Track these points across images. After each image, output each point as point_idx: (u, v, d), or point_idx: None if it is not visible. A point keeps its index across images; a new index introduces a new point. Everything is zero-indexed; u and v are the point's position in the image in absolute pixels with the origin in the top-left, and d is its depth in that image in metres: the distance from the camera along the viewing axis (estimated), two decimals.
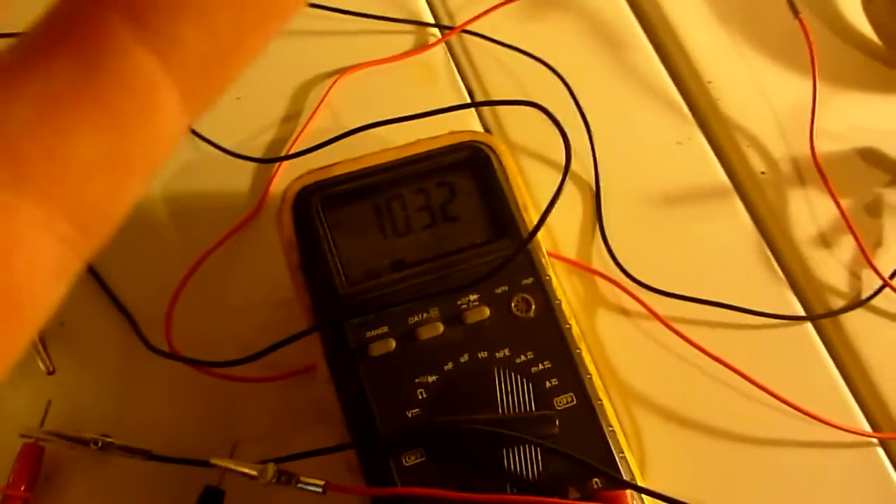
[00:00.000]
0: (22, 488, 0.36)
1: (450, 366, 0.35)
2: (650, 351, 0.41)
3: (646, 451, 0.39)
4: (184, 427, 0.38)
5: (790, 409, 0.40)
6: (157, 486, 0.37)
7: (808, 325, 0.42)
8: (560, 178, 0.45)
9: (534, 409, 0.34)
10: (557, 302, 0.36)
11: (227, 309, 0.41)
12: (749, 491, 0.39)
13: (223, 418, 0.39)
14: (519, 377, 0.35)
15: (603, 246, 0.43)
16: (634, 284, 0.42)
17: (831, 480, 0.39)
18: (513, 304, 0.36)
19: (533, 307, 0.36)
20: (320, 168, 0.37)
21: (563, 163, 0.45)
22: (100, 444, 0.36)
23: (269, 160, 0.44)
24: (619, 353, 0.41)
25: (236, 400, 0.39)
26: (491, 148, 0.38)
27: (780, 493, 0.39)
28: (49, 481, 0.37)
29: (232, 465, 0.35)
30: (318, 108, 0.45)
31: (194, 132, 0.44)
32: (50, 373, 0.38)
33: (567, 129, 0.44)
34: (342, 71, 0.47)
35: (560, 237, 0.43)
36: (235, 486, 0.36)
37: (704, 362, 0.40)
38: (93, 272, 0.41)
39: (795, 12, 0.47)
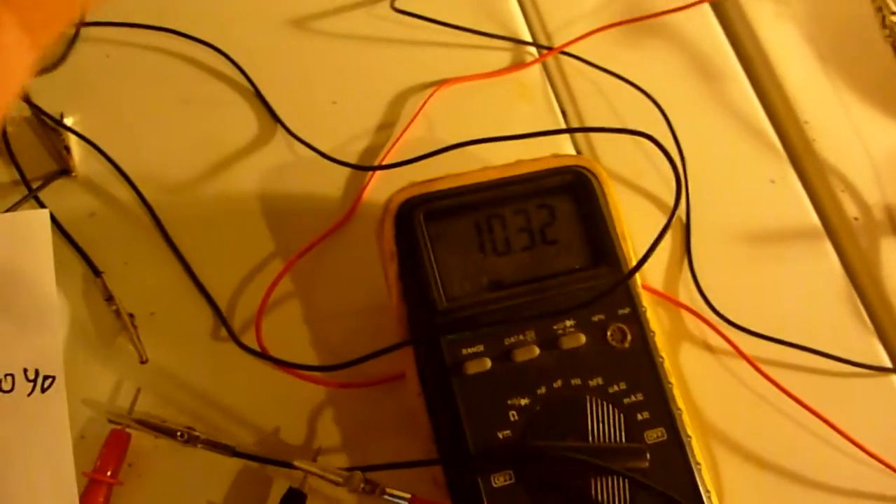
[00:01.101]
0: (108, 473, 0.36)
1: (543, 390, 0.35)
2: (732, 389, 0.41)
3: (723, 488, 0.39)
4: (267, 427, 0.39)
5: (871, 459, 0.39)
6: (237, 482, 0.38)
7: (894, 377, 0.42)
8: (653, 207, 0.45)
9: (624, 440, 0.34)
10: (652, 334, 0.36)
11: (317, 312, 0.41)
12: None
13: (306, 421, 0.39)
14: (611, 407, 0.35)
15: (690, 280, 0.43)
16: (720, 321, 0.42)
17: None
18: (608, 334, 0.36)
19: (628, 338, 0.36)
20: (423, 181, 0.38)
21: (652, 192, 0.45)
22: (185, 436, 0.37)
23: (364, 167, 0.44)
24: (701, 389, 0.41)
25: (321, 404, 0.39)
26: (593, 174, 0.38)
27: None
28: (133, 468, 0.37)
29: (317, 470, 0.35)
30: (414, 118, 0.46)
31: (291, 133, 0.45)
32: (143, 362, 0.39)
33: (663, 160, 0.44)
34: (439, 83, 0.47)
35: (648, 268, 0.43)
36: (316, 490, 0.36)
37: (787, 405, 0.40)
38: (185, 265, 0.41)
39: None
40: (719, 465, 0.39)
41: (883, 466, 0.39)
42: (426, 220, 0.36)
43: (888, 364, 0.42)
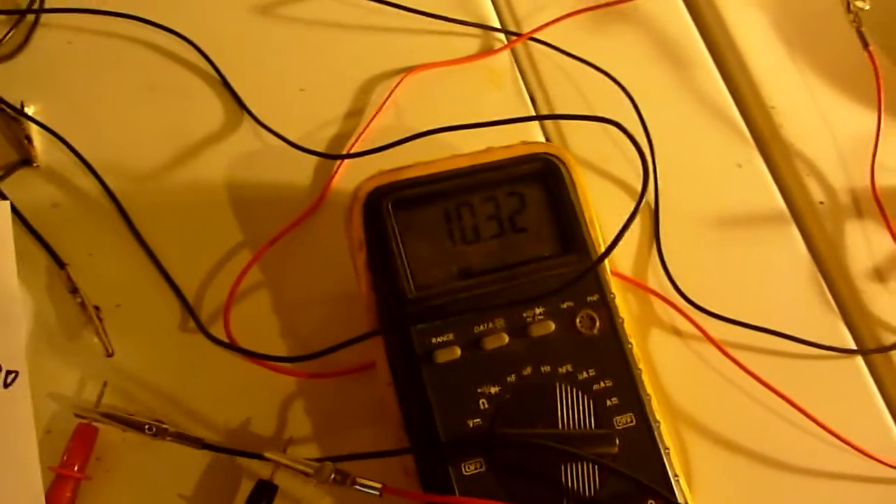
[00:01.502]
0: (75, 468, 0.36)
1: (513, 378, 0.35)
2: (701, 373, 0.41)
3: (692, 472, 0.39)
4: (236, 419, 0.38)
5: (837, 440, 0.40)
6: (207, 475, 0.37)
7: (859, 359, 0.42)
8: (621, 193, 0.45)
9: (594, 426, 0.34)
10: (620, 320, 0.36)
11: (286, 302, 0.41)
12: None
13: (276, 412, 0.39)
14: (581, 394, 0.35)
15: (659, 265, 0.43)
16: (689, 306, 0.42)
17: None
18: (577, 320, 0.36)
19: (597, 324, 0.36)
20: (392, 170, 0.37)
21: (620, 177, 0.46)
22: (153, 429, 0.36)
23: (333, 156, 0.44)
24: (670, 373, 0.41)
25: (291, 395, 0.39)
26: (562, 161, 0.38)
27: None
28: (100, 462, 0.37)
29: (288, 461, 0.35)
30: (382, 105, 0.45)
31: (258, 121, 0.44)
32: (109, 355, 0.38)
33: (630, 146, 0.44)
34: (407, 70, 0.47)
35: (617, 254, 0.43)
36: (286, 481, 0.36)
37: (754, 388, 0.40)
38: (151, 256, 0.41)
39: (865, 44, 0.47)
40: (689, 449, 0.40)
41: (847, 446, 0.40)
42: (395, 208, 0.36)
43: (853, 346, 0.43)
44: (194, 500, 0.37)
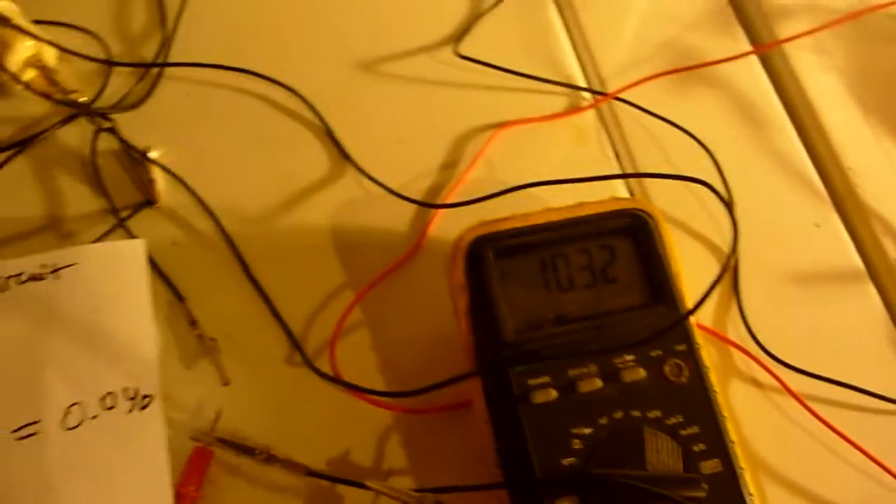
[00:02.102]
0: (192, 488, 0.39)
1: (605, 420, 0.37)
2: (780, 424, 0.43)
3: None
4: (336, 449, 0.41)
5: None
6: (310, 501, 0.40)
7: None
8: (703, 250, 0.47)
9: (682, 470, 0.36)
10: (706, 369, 0.38)
11: (385, 341, 0.43)
12: None
13: (374, 445, 0.41)
14: (669, 438, 0.36)
15: (738, 319, 0.45)
16: (768, 358, 0.44)
17: None
18: (666, 368, 0.38)
19: (684, 373, 0.38)
20: (492, 221, 0.40)
21: (702, 234, 0.48)
22: (264, 454, 0.39)
23: (430, 205, 0.47)
24: (750, 424, 0.42)
25: (387, 428, 0.41)
26: (650, 216, 0.41)
27: None
28: (213, 484, 0.40)
29: (389, 491, 0.38)
30: (476, 159, 0.48)
31: (360, 169, 0.48)
32: (225, 384, 0.41)
33: (710, 202, 0.46)
34: (498, 126, 0.50)
35: (700, 307, 0.45)
36: None
37: (833, 441, 0.42)
38: (261, 291, 0.44)
39: None
40: (769, 498, 0.41)
41: None
42: (495, 256, 0.39)
43: None
44: None
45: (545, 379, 0.37)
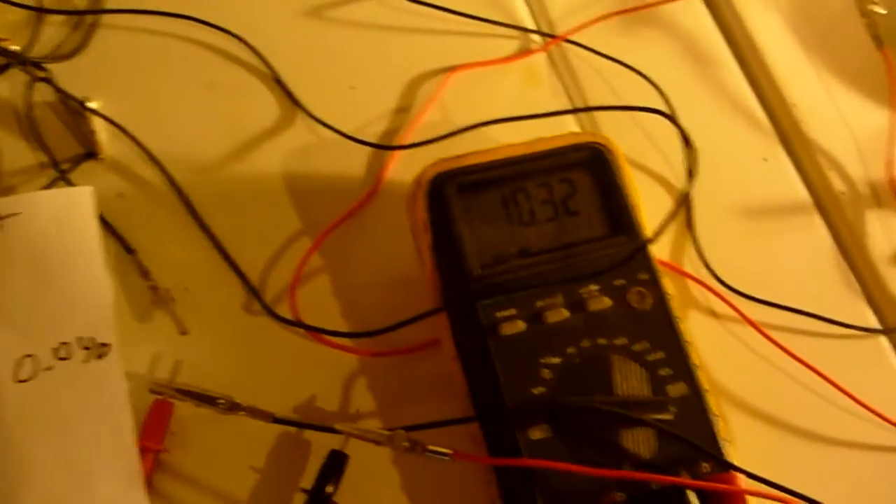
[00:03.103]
0: (154, 441, 0.37)
1: (572, 349, 0.37)
2: (738, 352, 0.44)
3: (734, 443, 0.41)
4: (302, 395, 0.40)
5: (865, 411, 0.42)
6: (277, 449, 0.39)
7: (883, 338, 0.45)
8: (656, 185, 0.48)
9: (649, 394, 0.36)
10: (669, 296, 0.39)
11: (346, 285, 0.43)
12: (826, 489, 0.41)
13: (341, 389, 0.41)
14: (636, 364, 0.37)
15: (694, 252, 0.46)
16: (724, 289, 0.45)
17: None
18: (630, 296, 0.38)
19: (648, 300, 0.38)
20: (452, 157, 0.40)
21: (655, 171, 0.48)
22: (226, 403, 0.38)
23: (387, 147, 0.46)
24: (708, 352, 0.43)
25: (354, 373, 0.41)
26: (608, 149, 0.41)
27: (858, 491, 0.41)
28: (176, 437, 0.39)
29: (360, 432, 0.37)
30: (430, 102, 0.48)
31: (312, 116, 0.46)
32: (183, 333, 0.40)
33: (662, 139, 0.47)
34: (451, 69, 0.49)
35: (655, 242, 0.46)
36: (356, 454, 0.38)
37: (788, 364, 0.43)
38: (215, 241, 0.43)
39: (879, 43, 0.50)
40: (730, 420, 0.42)
41: (877, 418, 0.42)
42: (457, 192, 0.38)
43: (877, 325, 0.45)
44: (265, 473, 0.39)
45: (512, 311, 0.37)
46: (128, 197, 0.44)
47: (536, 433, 0.35)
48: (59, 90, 0.45)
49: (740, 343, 0.44)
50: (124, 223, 0.43)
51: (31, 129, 0.44)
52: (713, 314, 0.45)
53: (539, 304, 0.37)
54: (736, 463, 0.37)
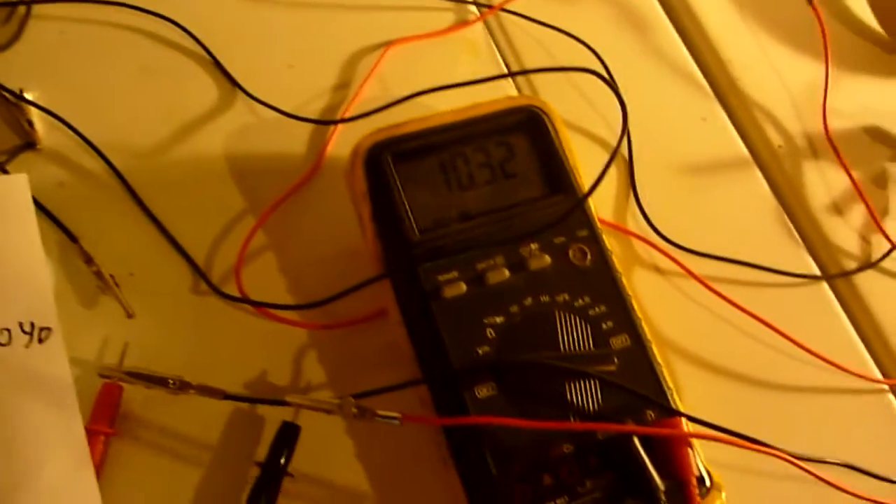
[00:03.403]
0: (104, 425, 0.37)
1: (515, 308, 0.37)
2: (684, 305, 0.44)
3: (680, 392, 0.42)
4: (252, 372, 0.40)
5: (809, 356, 0.43)
6: (230, 425, 0.39)
7: (824, 284, 0.46)
8: (595, 146, 0.49)
9: (592, 348, 0.37)
10: (609, 252, 0.39)
11: (291, 261, 0.43)
12: (772, 431, 0.42)
13: (291, 364, 0.41)
14: (578, 319, 0.37)
15: (637, 210, 0.46)
16: (667, 245, 0.45)
17: (847, 422, 0.43)
18: (570, 253, 0.39)
19: (588, 257, 0.39)
20: (389, 126, 0.40)
21: (593, 132, 0.49)
22: (177, 383, 0.38)
23: (327, 122, 0.46)
24: (654, 307, 0.44)
25: (303, 347, 0.41)
26: (545, 112, 0.41)
27: (804, 433, 0.42)
28: (127, 420, 0.39)
29: (309, 402, 0.37)
30: (368, 77, 0.48)
31: (251, 95, 0.46)
32: (130, 316, 0.40)
33: (601, 103, 0.47)
34: (388, 44, 0.49)
35: (598, 202, 0.46)
36: (308, 424, 0.38)
37: (732, 315, 0.44)
38: (159, 225, 0.43)
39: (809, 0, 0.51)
40: (675, 371, 0.43)
41: (821, 361, 0.43)
42: (394, 160, 0.39)
43: (818, 273, 0.46)
44: (220, 450, 0.39)
45: (454, 274, 0.37)
46: (69, 186, 0.44)
47: (483, 391, 0.36)
48: None
49: (685, 297, 0.45)
50: (66, 212, 0.43)
51: None
52: (658, 270, 0.45)
53: (480, 265, 0.38)
54: (682, 407, 0.38)
